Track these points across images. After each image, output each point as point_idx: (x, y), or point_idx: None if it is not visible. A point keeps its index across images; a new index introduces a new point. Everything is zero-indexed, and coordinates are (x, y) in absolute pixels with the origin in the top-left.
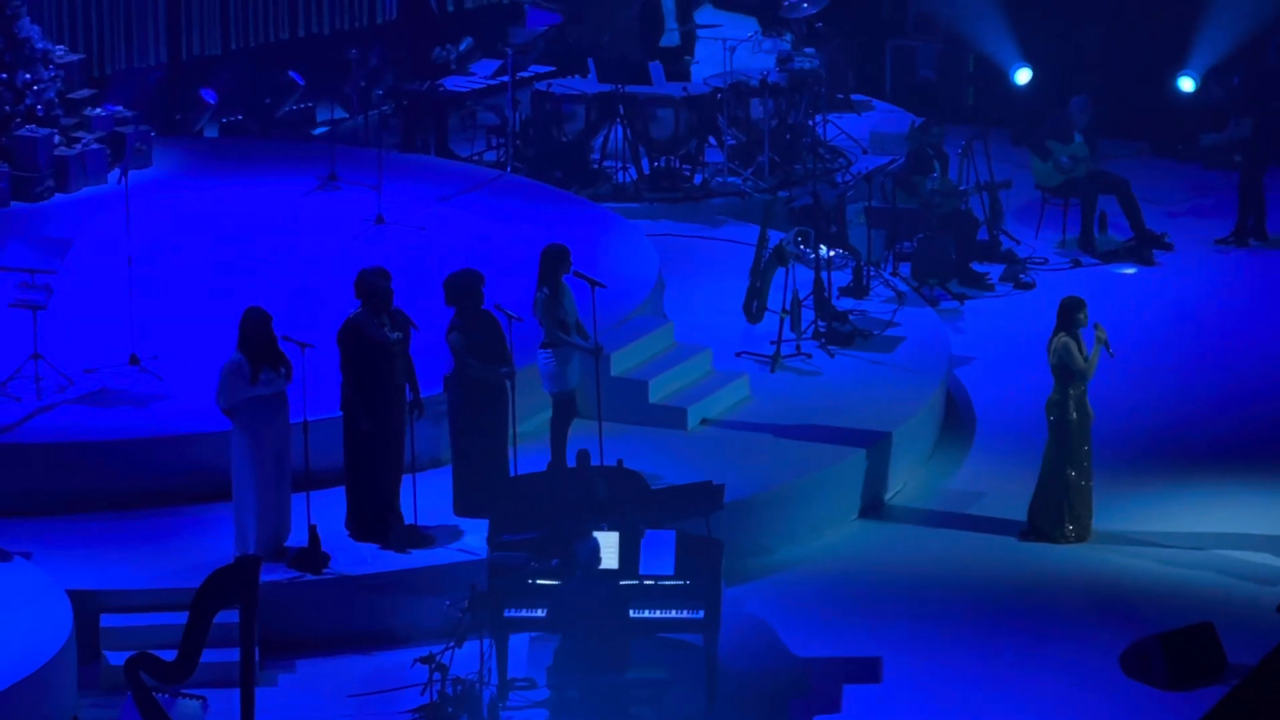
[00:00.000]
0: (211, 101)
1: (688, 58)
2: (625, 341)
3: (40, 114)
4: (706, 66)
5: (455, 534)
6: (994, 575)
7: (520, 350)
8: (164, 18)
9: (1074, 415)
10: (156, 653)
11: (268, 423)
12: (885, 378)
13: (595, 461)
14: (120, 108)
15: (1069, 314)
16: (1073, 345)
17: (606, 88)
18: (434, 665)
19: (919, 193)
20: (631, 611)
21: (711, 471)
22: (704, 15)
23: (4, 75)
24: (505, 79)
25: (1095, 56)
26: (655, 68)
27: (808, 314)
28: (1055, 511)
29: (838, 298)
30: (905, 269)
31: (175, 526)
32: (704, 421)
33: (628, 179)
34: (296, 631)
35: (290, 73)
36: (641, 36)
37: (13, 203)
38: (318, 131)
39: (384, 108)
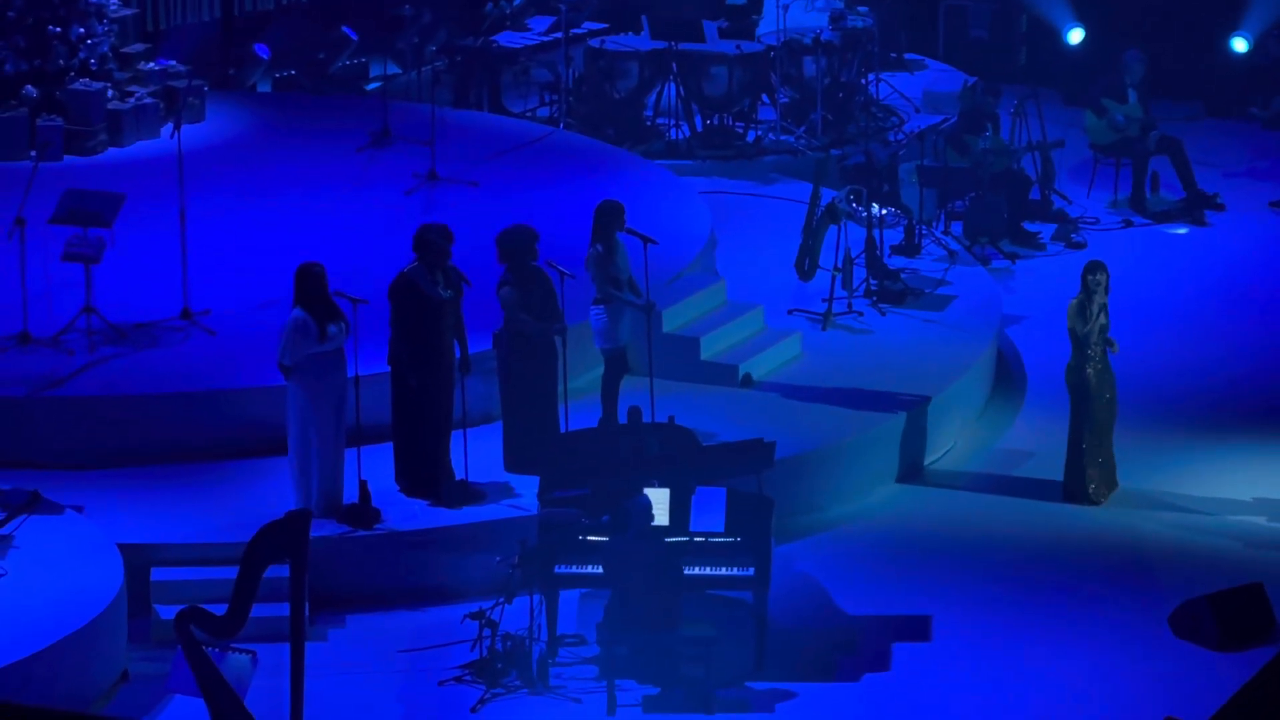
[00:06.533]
0: (264, 56)
1: (755, 17)
2: (677, 299)
3: (94, 68)
4: (760, 24)
5: (506, 490)
6: (1042, 535)
7: (572, 307)
8: None
9: (1091, 378)
10: (207, 607)
11: (328, 378)
12: (936, 336)
13: (647, 418)
14: (174, 62)
15: (1083, 276)
16: (1072, 308)
17: (660, 45)
18: (484, 621)
19: (971, 152)
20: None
21: (763, 429)
22: None
23: (58, 29)
24: (559, 35)
25: (1148, 16)
26: (709, 26)
27: (859, 272)
28: (1079, 473)
29: (889, 256)
30: (957, 228)
31: (226, 481)
32: (745, 381)
33: (681, 136)
34: (347, 586)
35: (343, 28)
36: None
37: (66, 157)
38: (370, 87)
39: (437, 63)
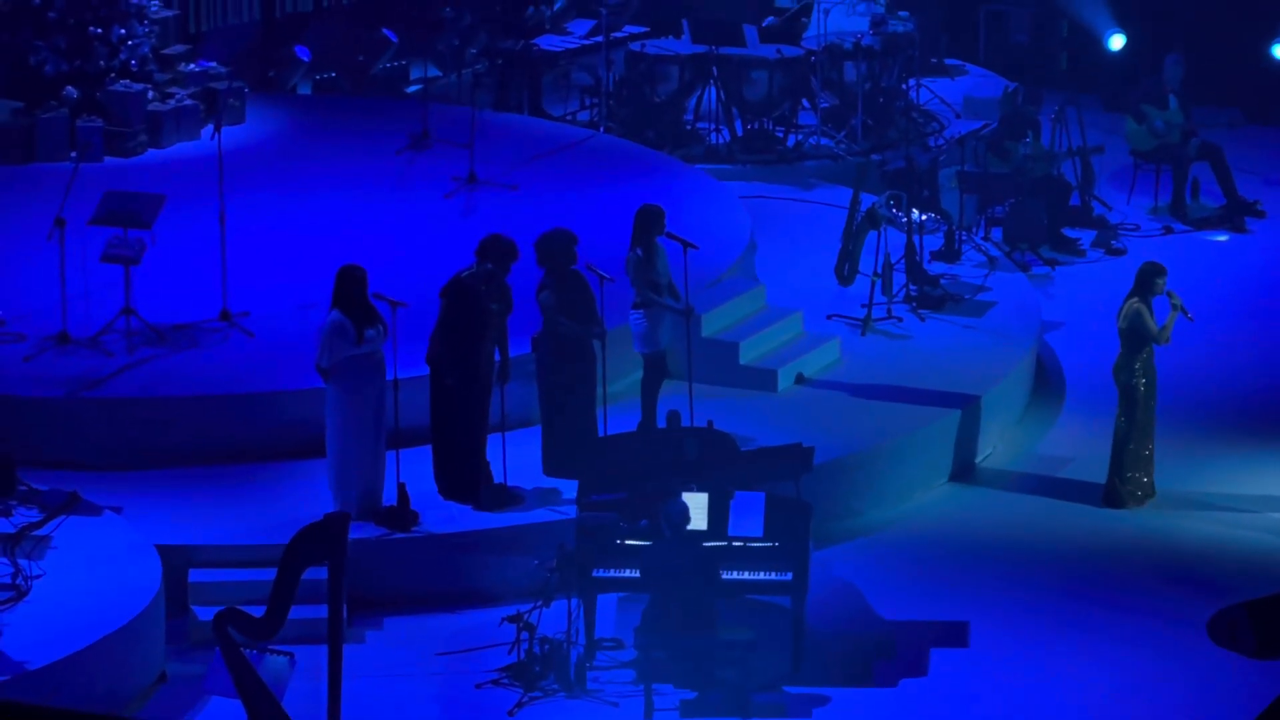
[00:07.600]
0: (305, 58)
1: (805, 20)
2: (716, 303)
3: (135, 69)
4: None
5: (544, 494)
6: (1080, 541)
7: (612, 311)
8: None
9: (1142, 380)
10: (245, 608)
11: (366, 381)
12: (976, 342)
13: (685, 422)
14: (214, 64)
15: (1147, 279)
16: (1145, 311)
17: (700, 49)
18: (522, 624)
19: (1011, 158)
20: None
21: (801, 433)
22: None
23: (99, 30)
24: (599, 39)
25: (1189, 22)
26: (750, 30)
27: (899, 278)
28: (1123, 476)
29: (929, 261)
30: (997, 234)
31: (265, 482)
32: (799, 379)
33: (721, 141)
34: (385, 589)
35: (384, 30)
36: None
37: (106, 158)
38: (411, 89)
39: (477, 66)
